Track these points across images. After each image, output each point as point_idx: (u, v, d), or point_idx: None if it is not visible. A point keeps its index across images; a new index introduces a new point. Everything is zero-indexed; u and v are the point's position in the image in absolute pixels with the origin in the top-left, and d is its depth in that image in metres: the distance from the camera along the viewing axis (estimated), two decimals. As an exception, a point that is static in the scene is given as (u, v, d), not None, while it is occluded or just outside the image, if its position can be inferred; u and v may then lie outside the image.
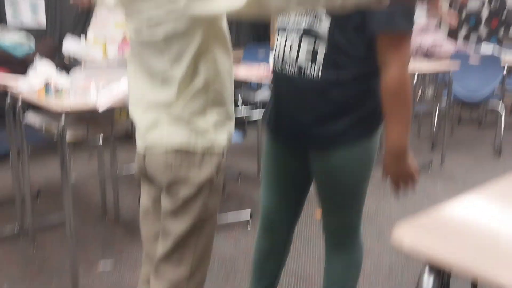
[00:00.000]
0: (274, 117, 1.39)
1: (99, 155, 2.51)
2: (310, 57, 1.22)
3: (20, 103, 2.11)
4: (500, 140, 3.92)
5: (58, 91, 1.85)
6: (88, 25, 4.01)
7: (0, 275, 2.00)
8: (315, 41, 1.21)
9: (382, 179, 1.30)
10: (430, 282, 0.72)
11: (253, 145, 4.01)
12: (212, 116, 1.10)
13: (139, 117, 1.14)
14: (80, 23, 4.02)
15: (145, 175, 1.19)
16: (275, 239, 1.52)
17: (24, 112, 2.13)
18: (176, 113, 1.07)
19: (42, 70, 2.05)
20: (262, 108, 3.49)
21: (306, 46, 1.23)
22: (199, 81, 1.06)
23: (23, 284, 1.94)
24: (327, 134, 1.28)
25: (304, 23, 1.22)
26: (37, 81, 1.98)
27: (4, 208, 2.71)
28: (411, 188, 1.30)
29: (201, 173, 1.09)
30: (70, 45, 3.78)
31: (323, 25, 1.19)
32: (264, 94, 2.90)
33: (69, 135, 1.78)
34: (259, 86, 3.18)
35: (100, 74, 1.85)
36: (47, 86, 1.87)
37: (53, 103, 1.74)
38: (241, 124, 4.44)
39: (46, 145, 3.01)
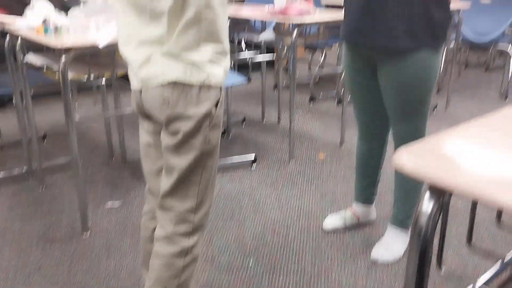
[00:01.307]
0: (347, 28, 1.56)
1: (103, 96, 2.50)
2: None
3: (19, 42, 2.09)
4: (507, 83, 3.86)
5: (57, 29, 1.82)
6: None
7: (11, 214, 2.07)
8: None
9: None
10: (431, 204, 0.73)
11: (257, 89, 3.99)
12: (206, 51, 1.06)
13: (131, 54, 1.10)
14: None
15: (143, 112, 1.18)
16: (373, 143, 1.80)
17: (24, 52, 2.11)
18: (168, 48, 1.04)
19: (40, 9, 2.01)
20: (266, 50, 3.44)
21: None
22: (189, 13, 1.02)
23: (35, 222, 2.01)
24: (389, 42, 1.45)
25: None
26: (36, 19, 1.94)
27: (12, 150, 2.75)
28: None
29: (200, 107, 1.07)
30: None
31: None
32: (268, 35, 2.83)
33: (70, 75, 1.77)
34: (263, 27, 3.10)
35: (99, 13, 1.81)
36: (45, 24, 1.84)
37: (53, 40, 1.71)
38: (244, 67, 4.39)
39: (50, 88, 3.00)
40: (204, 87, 1.07)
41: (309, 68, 4.53)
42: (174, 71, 1.06)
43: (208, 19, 1.05)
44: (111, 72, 1.93)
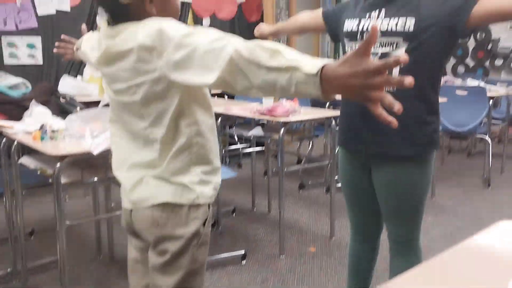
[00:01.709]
0: (343, 134, 1.64)
1: (94, 194, 2.53)
2: None
3: (15, 145, 2.16)
4: (489, 170, 3.99)
5: (53, 135, 1.90)
6: (85, 64, 4.12)
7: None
8: None
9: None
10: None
11: (248, 175, 4.05)
12: (196, 173, 1.12)
13: (123, 175, 1.16)
14: (76, 62, 4.11)
15: (132, 230, 1.21)
16: (365, 245, 1.78)
17: (19, 155, 2.17)
18: (160, 172, 1.10)
19: (38, 115, 2.11)
20: (256, 144, 3.56)
21: None
22: (181, 141, 1.09)
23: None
24: (387, 149, 1.51)
25: (381, 49, 1.46)
26: (33, 124, 2.03)
27: (-2, 248, 2.71)
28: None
29: (188, 228, 1.11)
30: (67, 84, 3.86)
31: (399, 52, 1.42)
32: (257, 132, 2.96)
33: (64, 178, 1.82)
34: (252, 122, 3.25)
35: (95, 120, 1.90)
36: (42, 130, 1.92)
37: (49, 147, 1.78)
38: (236, 157, 4.50)
39: (40, 183, 3.03)
40: (193, 206, 1.12)
41: (298, 157, 4.66)
42: (164, 194, 1.11)
43: (198, 144, 1.12)
44: (103, 174, 1.99)
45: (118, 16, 1.08)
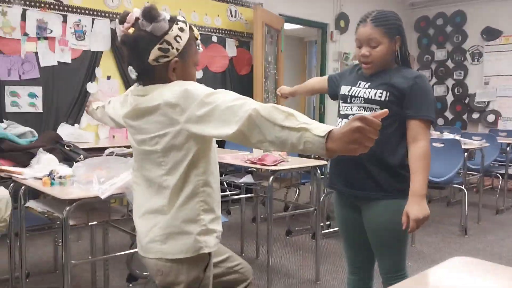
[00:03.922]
0: (334, 178, 1.90)
1: (92, 236, 2.66)
2: None
3: (23, 190, 2.31)
4: (466, 219, 4.19)
5: (61, 181, 2.06)
6: (81, 113, 4.34)
7: None
8: None
9: (403, 223, 1.70)
10: None
11: (236, 221, 4.19)
12: (203, 222, 1.27)
13: (138, 222, 1.33)
14: (74, 110, 4.32)
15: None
16: (359, 277, 1.99)
17: (26, 199, 2.32)
18: (170, 220, 1.25)
19: (46, 162, 2.28)
20: (245, 191, 3.74)
21: None
22: (188, 189, 1.25)
23: None
24: (371, 189, 1.76)
25: (362, 112, 1.76)
26: (42, 170, 2.19)
27: (-7, 290, 2.77)
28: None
29: (190, 275, 1.26)
30: (65, 131, 4.05)
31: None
32: (247, 179, 3.15)
33: (71, 221, 1.97)
34: (242, 170, 3.44)
35: (101, 167, 2.08)
36: (51, 177, 2.08)
37: (59, 192, 1.94)
38: (224, 203, 4.64)
39: (39, 227, 3.13)
40: (196, 257, 1.27)
41: (285, 204, 4.82)
42: (169, 248, 1.25)
43: (205, 193, 1.28)
44: (107, 217, 2.14)
45: (145, 76, 1.28)
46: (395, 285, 1.14)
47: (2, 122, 3.46)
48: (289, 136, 1.02)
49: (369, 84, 1.81)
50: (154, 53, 1.25)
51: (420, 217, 1.67)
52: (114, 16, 4.45)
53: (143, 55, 1.26)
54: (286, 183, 3.62)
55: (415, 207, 1.68)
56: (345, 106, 1.87)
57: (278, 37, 5.62)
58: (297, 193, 4.62)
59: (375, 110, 1.75)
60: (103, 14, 4.40)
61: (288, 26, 6.00)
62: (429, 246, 3.79)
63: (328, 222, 4.23)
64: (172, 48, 1.26)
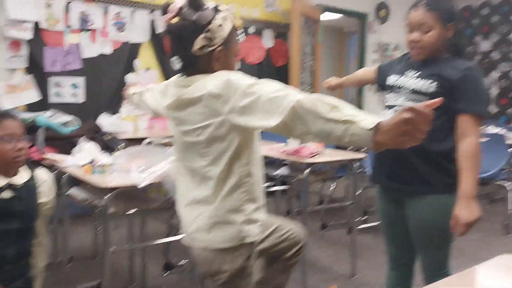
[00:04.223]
0: (377, 172, 1.85)
1: (130, 224, 2.72)
2: None
3: (65, 177, 2.38)
4: (509, 217, 4.01)
5: (102, 169, 2.11)
6: (121, 103, 4.43)
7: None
8: None
9: (452, 227, 1.63)
10: None
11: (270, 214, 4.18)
12: (247, 212, 1.27)
13: (182, 211, 1.35)
14: (114, 101, 4.42)
15: None
16: (401, 273, 1.95)
17: (68, 186, 2.39)
18: (214, 210, 1.26)
19: (88, 150, 2.34)
20: (281, 182, 3.72)
21: None
22: (233, 180, 1.25)
23: None
24: (417, 183, 1.69)
25: (404, 102, 1.71)
26: (84, 159, 2.25)
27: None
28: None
29: (234, 264, 1.27)
30: (105, 121, 4.16)
31: None
32: (283, 171, 3.13)
33: (110, 209, 2.01)
34: (277, 161, 3.42)
35: (140, 157, 2.11)
36: (93, 164, 2.14)
37: (99, 180, 1.99)
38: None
39: (80, 214, 3.24)
40: (240, 247, 1.27)
41: (320, 197, 4.77)
42: (214, 239, 1.27)
43: (248, 183, 1.27)
44: (145, 206, 2.18)
45: (189, 66, 1.28)
46: (439, 282, 1.09)
47: (47, 111, 3.59)
48: (334, 129, 0.98)
49: (418, 74, 1.73)
50: (199, 42, 1.25)
51: (471, 220, 1.59)
52: (153, 7, 4.50)
53: (188, 44, 1.26)
54: (322, 176, 3.58)
55: (466, 210, 1.59)
56: (391, 97, 1.80)
57: (316, 28, 5.53)
58: (332, 187, 4.56)
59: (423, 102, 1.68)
60: (142, 5, 4.46)
61: (326, 16, 5.89)
62: (471, 244, 3.65)
63: (365, 217, 4.15)
64: (216, 37, 1.26)
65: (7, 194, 1.64)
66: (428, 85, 1.68)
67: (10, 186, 1.66)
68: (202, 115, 1.23)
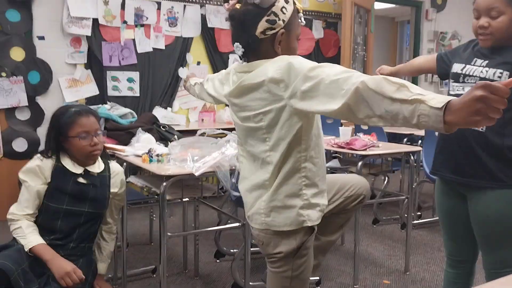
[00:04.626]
0: (439, 164, 1.77)
1: (184, 211, 2.80)
2: None
3: (124, 166, 2.48)
4: None
5: (159, 158, 2.18)
6: (174, 97, 4.55)
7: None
8: None
9: None
10: None
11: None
12: (306, 197, 1.27)
13: (243, 193, 1.37)
14: (167, 94, 4.54)
15: None
16: (460, 271, 1.86)
17: (127, 174, 2.49)
18: (273, 194, 1.27)
19: (145, 140, 2.42)
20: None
21: None
22: (290, 165, 1.25)
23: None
24: (482, 177, 1.61)
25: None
26: (142, 149, 2.34)
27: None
28: None
29: (289, 247, 1.29)
30: (159, 113, 4.29)
31: None
32: (334, 164, 3.10)
33: (168, 195, 2.08)
34: (329, 154, 3.39)
35: (194, 146, 2.16)
36: (150, 154, 2.21)
37: (156, 168, 2.06)
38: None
39: (136, 201, 3.37)
40: (297, 230, 1.28)
41: (372, 191, 4.68)
42: (274, 222, 1.28)
43: (307, 168, 1.27)
44: (200, 194, 2.23)
45: (251, 51, 1.29)
46: (506, 277, 1.04)
47: (106, 104, 3.76)
48: (401, 109, 0.93)
49: (487, 62, 1.63)
50: (262, 25, 1.25)
51: None
52: (204, 2, 4.57)
53: (251, 28, 1.26)
54: (375, 170, 3.50)
55: None
56: (456, 86, 1.71)
57: (368, 17, 5.40)
58: (386, 181, 4.45)
59: None
60: (193, 0, 4.54)
61: (378, 5, 5.74)
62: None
63: (419, 213, 4.02)
64: (279, 19, 1.26)
65: (83, 181, 1.81)
66: (498, 74, 1.57)
67: (86, 174, 1.82)
68: (264, 101, 1.23)
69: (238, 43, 1.30)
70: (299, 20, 1.34)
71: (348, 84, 1.01)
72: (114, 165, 1.96)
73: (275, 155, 1.26)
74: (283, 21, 1.26)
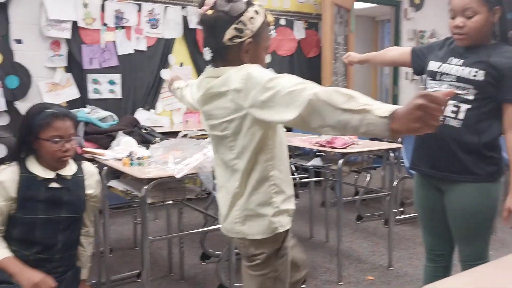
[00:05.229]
0: (417, 158, 1.82)
1: (168, 215, 2.79)
2: (454, 114, 1.65)
3: (105, 170, 2.46)
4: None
5: (140, 162, 2.18)
6: (157, 98, 4.53)
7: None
8: (459, 106, 1.64)
9: (503, 219, 1.63)
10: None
11: (304, 205, 4.18)
12: (276, 205, 1.32)
13: (220, 202, 1.41)
14: (150, 96, 4.51)
15: None
16: (438, 264, 1.91)
17: (108, 178, 2.48)
18: (245, 203, 1.32)
19: (125, 144, 2.41)
20: (314, 175, 3.71)
21: (451, 107, 1.65)
22: (259, 174, 1.29)
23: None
24: (458, 171, 1.67)
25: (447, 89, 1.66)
26: (122, 152, 2.33)
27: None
28: None
29: (269, 249, 1.33)
30: (142, 116, 4.26)
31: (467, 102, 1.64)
32: (316, 162, 3.12)
33: (149, 199, 2.07)
34: (310, 153, 3.41)
35: (176, 149, 2.16)
36: (131, 158, 2.20)
37: (137, 171, 2.05)
38: (293, 187, 4.64)
39: (119, 206, 3.35)
40: (271, 237, 1.32)
41: (355, 189, 4.72)
42: (249, 230, 1.32)
43: (274, 176, 1.31)
44: (182, 196, 2.23)
45: (219, 57, 1.32)
46: (477, 268, 1.07)
47: (86, 107, 3.72)
48: (350, 119, 0.98)
49: (463, 61, 1.66)
50: (230, 32, 1.28)
51: None
52: (185, 3, 4.55)
53: (219, 34, 1.29)
54: (356, 167, 3.54)
55: None
56: (433, 84, 1.74)
57: (348, 17, 5.45)
58: (368, 178, 4.50)
59: (468, 91, 1.63)
60: (174, 2, 4.52)
61: (358, 5, 5.79)
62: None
63: (402, 209, 4.08)
64: (247, 29, 1.29)
65: (56, 185, 1.74)
66: (474, 73, 1.61)
67: (59, 178, 1.76)
68: (227, 110, 1.27)
69: (207, 48, 1.32)
70: (269, 33, 1.37)
71: (302, 95, 1.05)
72: (87, 166, 1.88)
73: (241, 163, 1.29)
74: (251, 31, 1.29)
